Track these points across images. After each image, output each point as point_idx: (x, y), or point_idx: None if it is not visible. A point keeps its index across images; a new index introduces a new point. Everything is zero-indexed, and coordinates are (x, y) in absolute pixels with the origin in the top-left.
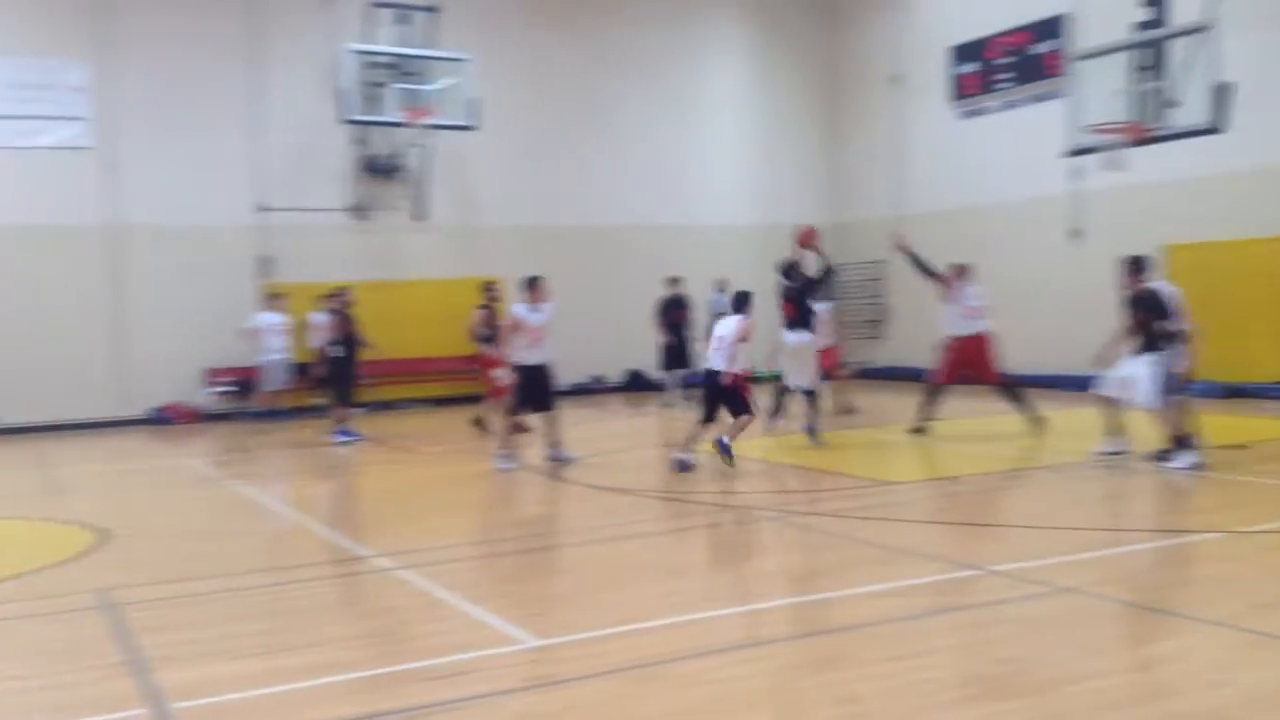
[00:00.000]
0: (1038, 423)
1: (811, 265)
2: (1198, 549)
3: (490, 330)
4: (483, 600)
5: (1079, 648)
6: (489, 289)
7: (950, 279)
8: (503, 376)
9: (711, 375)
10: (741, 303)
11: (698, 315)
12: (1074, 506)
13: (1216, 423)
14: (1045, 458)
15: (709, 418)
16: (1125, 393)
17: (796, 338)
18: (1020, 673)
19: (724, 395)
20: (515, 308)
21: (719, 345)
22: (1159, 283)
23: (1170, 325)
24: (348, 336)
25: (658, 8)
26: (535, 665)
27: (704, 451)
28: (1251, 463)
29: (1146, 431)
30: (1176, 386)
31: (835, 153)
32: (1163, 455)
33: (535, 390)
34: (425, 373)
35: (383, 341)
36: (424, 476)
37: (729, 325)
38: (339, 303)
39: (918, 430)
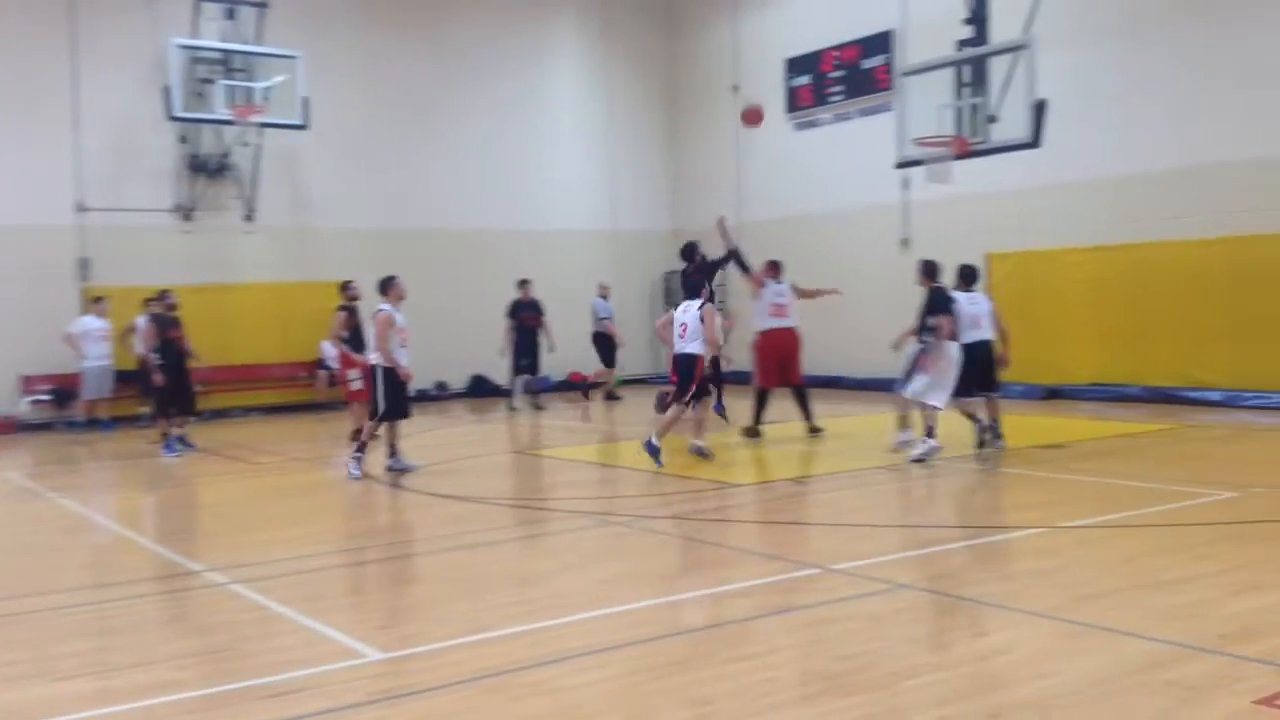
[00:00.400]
0: (816, 432)
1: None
2: (1022, 544)
3: (349, 331)
4: (323, 614)
5: (916, 643)
6: (348, 288)
7: (759, 276)
8: (356, 379)
9: (682, 359)
10: (696, 289)
11: (550, 319)
12: (905, 505)
13: (1036, 423)
14: (876, 459)
15: (699, 396)
16: (925, 395)
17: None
18: (861, 669)
19: (683, 376)
20: (384, 308)
21: (684, 332)
22: (974, 293)
23: (932, 322)
24: (166, 342)
25: (494, 11)
26: (379, 679)
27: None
28: (1069, 460)
29: (961, 430)
30: (959, 385)
31: (677, 160)
32: (980, 445)
33: (402, 394)
34: (258, 379)
35: (212, 347)
36: (258, 487)
37: (693, 314)
38: (161, 306)
39: (752, 433)
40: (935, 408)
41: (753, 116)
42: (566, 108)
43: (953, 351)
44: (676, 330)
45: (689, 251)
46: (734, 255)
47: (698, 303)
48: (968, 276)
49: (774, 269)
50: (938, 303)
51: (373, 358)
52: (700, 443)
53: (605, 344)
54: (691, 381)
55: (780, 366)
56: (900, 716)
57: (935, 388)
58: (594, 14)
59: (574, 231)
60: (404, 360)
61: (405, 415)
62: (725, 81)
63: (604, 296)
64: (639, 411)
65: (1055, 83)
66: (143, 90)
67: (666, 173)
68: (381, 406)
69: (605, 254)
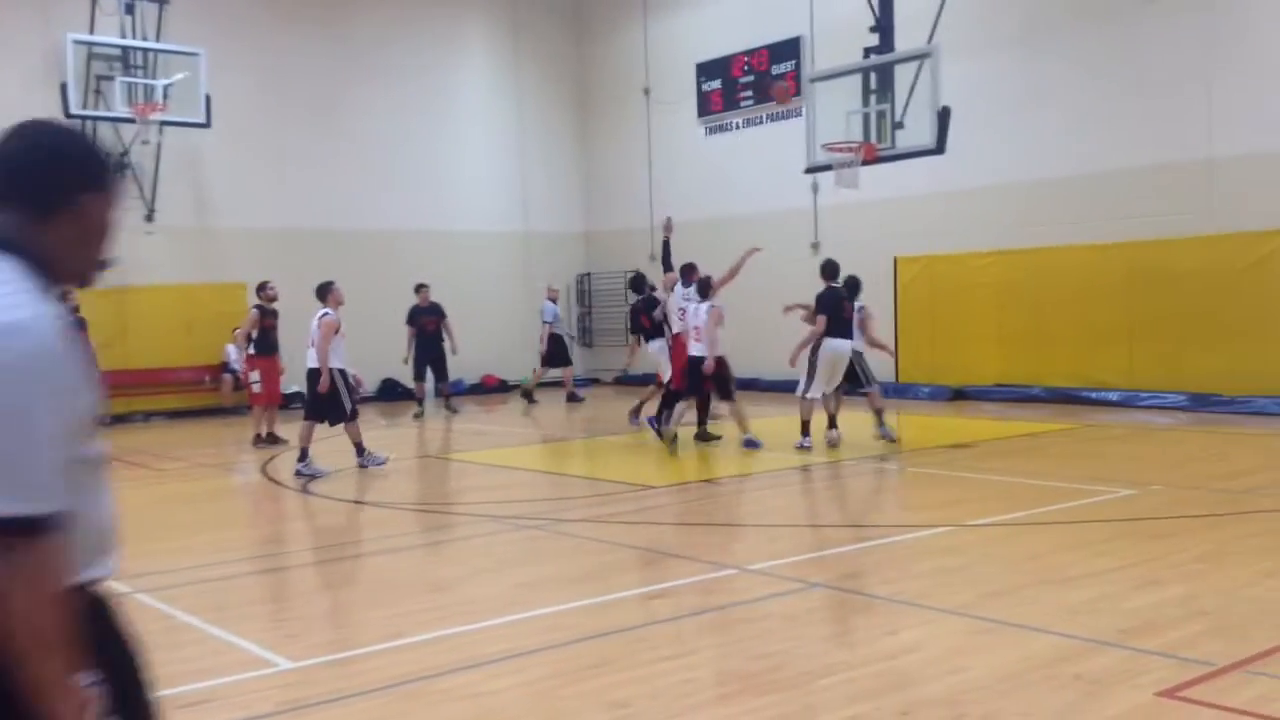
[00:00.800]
0: (709, 438)
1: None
2: (931, 542)
3: (257, 331)
4: (231, 623)
5: (830, 641)
6: (264, 289)
7: (671, 276)
8: (258, 381)
9: (696, 361)
10: (705, 290)
11: (462, 322)
12: (818, 505)
13: (943, 423)
14: (788, 460)
15: (702, 396)
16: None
17: (656, 345)
18: (777, 668)
19: (711, 379)
20: (329, 312)
21: (699, 335)
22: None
23: (816, 323)
24: None
25: (401, 8)
26: (289, 689)
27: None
28: (975, 460)
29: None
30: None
31: (590, 162)
32: (801, 441)
33: (331, 398)
34: (160, 384)
35: (113, 351)
36: (162, 494)
37: (702, 315)
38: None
39: (671, 436)
40: (812, 400)
41: (781, 93)
42: (476, 108)
43: (826, 349)
44: (690, 333)
45: (638, 284)
46: (665, 247)
47: (707, 304)
48: (850, 288)
49: (686, 273)
50: (819, 303)
51: (315, 361)
52: (750, 435)
53: (554, 345)
54: (704, 383)
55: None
56: (815, 714)
57: (808, 382)
58: (503, 13)
59: (485, 233)
60: (334, 363)
61: (330, 421)
62: (636, 84)
63: (553, 300)
64: (555, 414)
65: (958, 91)
66: (37, 87)
67: (578, 175)
68: (348, 406)
69: (518, 256)
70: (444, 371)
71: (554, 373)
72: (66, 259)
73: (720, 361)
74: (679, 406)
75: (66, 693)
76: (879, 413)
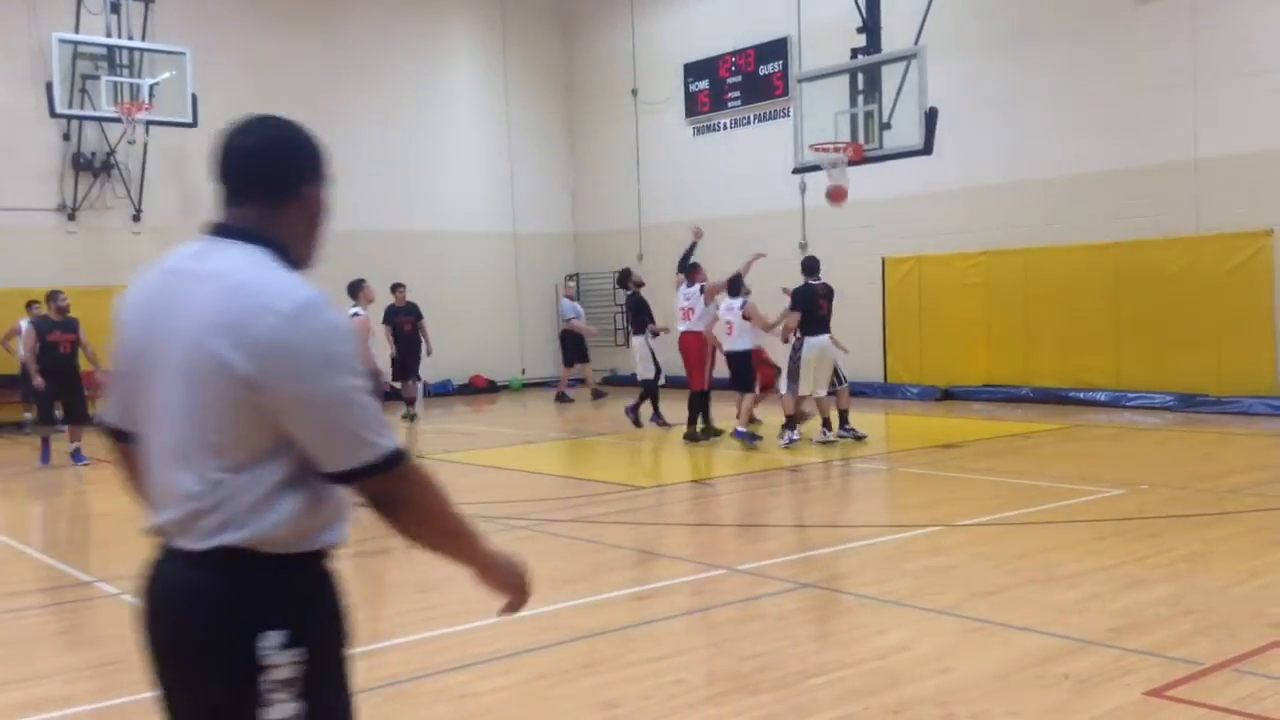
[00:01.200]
0: (698, 438)
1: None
2: (920, 542)
3: None
4: None
5: (820, 641)
6: None
7: (679, 278)
8: None
9: (734, 355)
10: (736, 286)
11: (451, 323)
12: (808, 506)
13: (932, 423)
14: (780, 460)
15: (751, 388)
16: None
17: (637, 341)
18: (767, 668)
19: (739, 371)
20: (359, 311)
21: (731, 330)
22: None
23: (788, 318)
24: (46, 346)
25: (388, 7)
26: None
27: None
28: (964, 460)
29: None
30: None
31: (578, 163)
32: (788, 437)
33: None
34: None
35: (100, 352)
36: None
37: (734, 310)
38: (50, 308)
39: (694, 435)
40: (792, 396)
41: (839, 195)
42: (463, 108)
43: (808, 348)
44: (723, 329)
45: (623, 279)
46: (690, 250)
47: (739, 301)
48: (805, 267)
49: (690, 274)
50: (793, 298)
51: None
52: (743, 428)
53: (572, 343)
54: (750, 374)
55: (686, 369)
56: (805, 714)
57: (789, 379)
58: (490, 13)
59: (473, 233)
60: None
61: None
62: (624, 85)
63: (569, 297)
64: (544, 414)
65: (946, 91)
66: (23, 85)
67: (566, 175)
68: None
69: (506, 256)
70: (415, 372)
71: (543, 370)
72: (294, 246)
73: (753, 355)
74: (748, 398)
75: (490, 562)
76: (844, 412)
